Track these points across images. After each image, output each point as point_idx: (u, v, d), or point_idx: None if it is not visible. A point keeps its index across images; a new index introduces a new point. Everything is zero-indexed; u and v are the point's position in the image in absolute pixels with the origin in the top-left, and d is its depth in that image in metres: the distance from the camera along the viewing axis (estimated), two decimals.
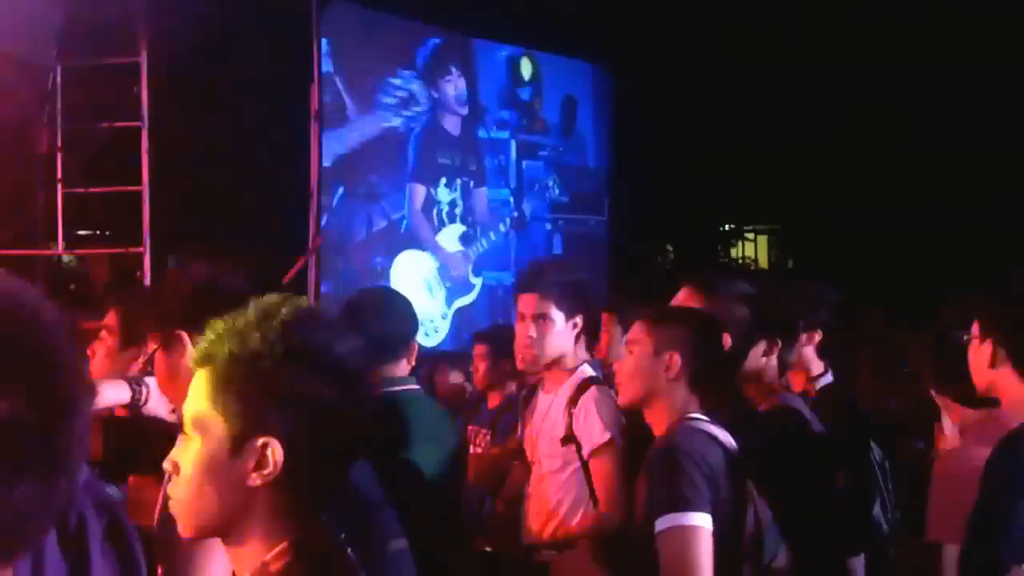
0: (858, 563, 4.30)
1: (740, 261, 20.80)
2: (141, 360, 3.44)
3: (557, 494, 4.24)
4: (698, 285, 3.94)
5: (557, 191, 13.71)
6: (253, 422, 1.77)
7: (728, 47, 14.83)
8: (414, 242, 12.16)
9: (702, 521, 3.00)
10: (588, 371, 4.34)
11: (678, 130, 15.12)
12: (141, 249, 9.45)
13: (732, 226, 21.33)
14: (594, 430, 4.12)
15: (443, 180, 12.57)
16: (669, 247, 19.40)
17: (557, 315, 4.29)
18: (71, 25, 9.03)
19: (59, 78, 9.54)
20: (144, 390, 3.30)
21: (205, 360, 1.82)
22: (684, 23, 14.14)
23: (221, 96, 10.88)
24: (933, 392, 3.63)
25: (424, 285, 12.11)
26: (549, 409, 4.31)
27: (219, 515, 1.80)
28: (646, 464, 3.21)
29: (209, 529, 1.84)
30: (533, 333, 4.28)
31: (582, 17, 12.89)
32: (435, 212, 12.50)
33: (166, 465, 1.84)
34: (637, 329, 3.43)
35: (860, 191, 16.30)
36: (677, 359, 3.28)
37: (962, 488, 2.91)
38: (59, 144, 9.61)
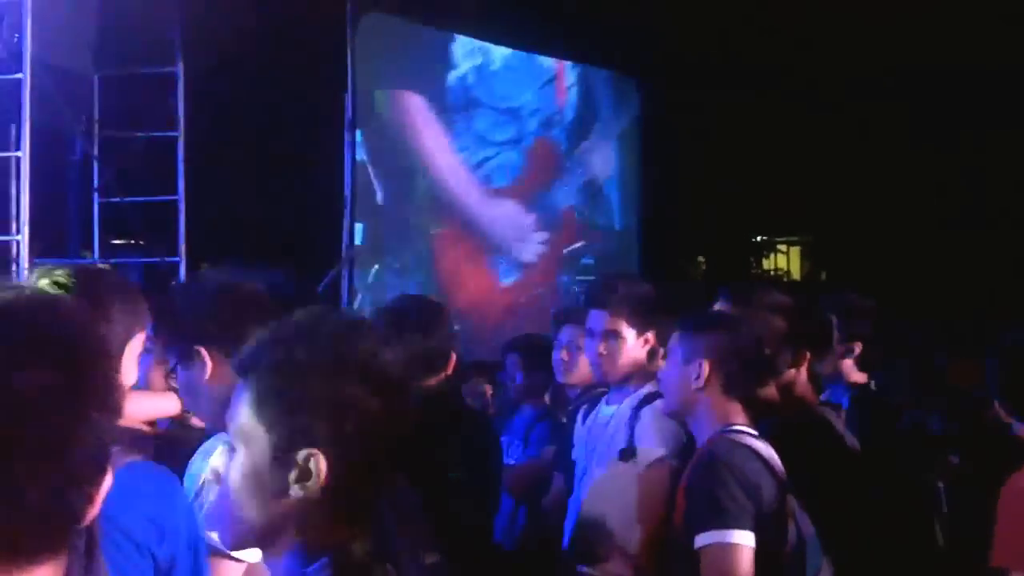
0: None
1: (772, 273, 20.71)
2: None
3: (606, 509, 4.11)
4: (733, 295, 3.92)
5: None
6: (297, 433, 1.74)
7: (759, 59, 14.81)
8: None
9: (744, 539, 2.97)
10: (653, 387, 4.16)
11: (709, 141, 15.10)
12: (176, 258, 9.52)
13: (764, 238, 21.26)
14: (651, 445, 3.97)
15: None
16: (701, 259, 19.35)
17: (628, 332, 4.18)
18: (108, 35, 9.08)
19: (96, 87, 9.61)
20: None
21: (248, 370, 1.81)
22: (714, 35, 14.14)
23: (256, 106, 10.92)
24: (1002, 412, 3.54)
25: None
26: (610, 422, 4.18)
27: (260, 526, 1.78)
28: (687, 476, 3.18)
29: (250, 540, 1.82)
30: (603, 351, 4.17)
31: (612, 27, 12.89)
32: None
33: (208, 474, 1.83)
34: (673, 338, 3.44)
35: (893, 201, 16.22)
36: (705, 367, 3.27)
37: None
38: (95, 153, 9.67)
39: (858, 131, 15.77)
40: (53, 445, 1.20)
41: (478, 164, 12.78)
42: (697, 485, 3.11)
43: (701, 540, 3.00)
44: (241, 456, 1.78)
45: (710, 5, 13.81)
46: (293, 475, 1.74)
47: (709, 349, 3.30)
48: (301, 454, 1.73)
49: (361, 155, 11.01)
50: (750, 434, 3.22)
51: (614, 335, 4.18)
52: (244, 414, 1.78)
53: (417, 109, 12.04)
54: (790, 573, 3.11)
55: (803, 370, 3.94)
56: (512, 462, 5.67)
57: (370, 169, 11.28)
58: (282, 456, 1.74)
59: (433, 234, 12.28)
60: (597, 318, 4.23)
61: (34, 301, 1.28)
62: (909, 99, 15.25)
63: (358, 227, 10.91)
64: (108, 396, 1.27)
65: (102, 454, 1.27)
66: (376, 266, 11.46)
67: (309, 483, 1.73)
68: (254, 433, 1.77)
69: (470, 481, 3.95)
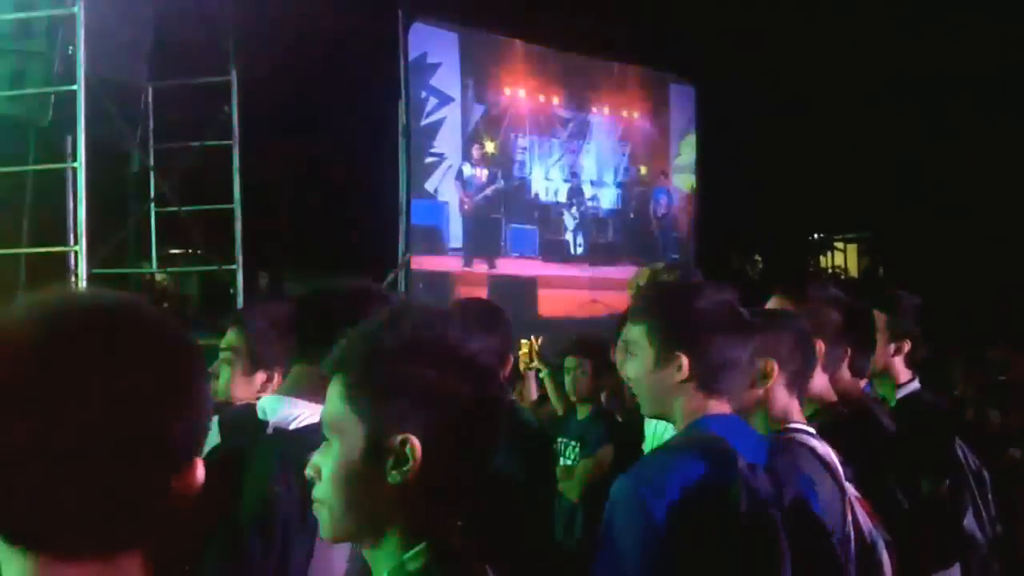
0: (951, 574, 4.17)
1: (830, 270, 20.60)
2: (276, 379, 3.45)
3: None
4: (788, 291, 3.86)
5: None
6: (390, 420, 1.77)
7: (815, 57, 14.75)
8: None
9: None
10: None
11: (766, 139, 15.05)
12: (233, 266, 9.59)
13: (821, 235, 21.15)
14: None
15: None
16: (758, 257, 19.26)
17: None
18: (162, 46, 9.17)
19: (151, 99, 9.70)
20: None
21: (339, 364, 1.84)
22: (770, 34, 14.08)
23: (310, 114, 10.99)
24: None
25: None
26: None
27: (361, 516, 1.81)
28: None
29: (353, 531, 1.84)
30: None
31: (668, 30, 12.88)
32: None
33: (308, 471, 1.85)
34: None
35: (951, 197, 16.08)
36: (772, 365, 3.17)
37: None
38: (151, 164, 9.76)
39: (915, 128, 15.66)
40: (126, 439, 1.22)
41: None
42: None
43: None
44: (336, 449, 1.81)
45: (766, 4, 13.78)
46: (389, 462, 1.76)
47: (773, 348, 3.18)
48: (396, 439, 1.76)
49: None
50: (808, 432, 3.16)
51: None
52: (338, 406, 1.82)
53: None
54: (849, 571, 3.06)
55: (845, 364, 3.90)
56: (569, 463, 5.67)
57: None
58: (377, 444, 1.77)
59: None
60: None
61: (116, 302, 1.30)
62: (967, 96, 15.12)
63: None
64: (187, 396, 1.29)
65: (180, 450, 1.29)
66: None
67: (406, 468, 1.76)
68: (348, 424, 1.80)
69: (526, 482, 3.95)
